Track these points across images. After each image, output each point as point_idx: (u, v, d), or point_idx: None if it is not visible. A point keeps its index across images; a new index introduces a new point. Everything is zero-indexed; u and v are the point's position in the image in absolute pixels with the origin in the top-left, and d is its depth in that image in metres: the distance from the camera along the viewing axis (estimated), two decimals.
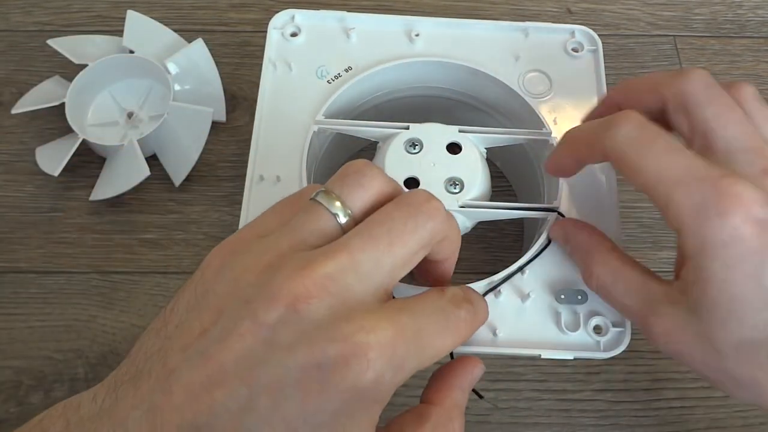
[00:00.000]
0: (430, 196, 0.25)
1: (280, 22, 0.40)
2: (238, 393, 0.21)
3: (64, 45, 0.47)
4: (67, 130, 0.44)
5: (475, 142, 0.36)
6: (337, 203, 0.24)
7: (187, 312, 0.24)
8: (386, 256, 0.23)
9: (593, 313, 0.33)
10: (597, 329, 0.33)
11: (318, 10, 0.40)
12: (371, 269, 0.23)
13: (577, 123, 0.38)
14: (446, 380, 0.27)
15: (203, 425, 0.21)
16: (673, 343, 0.27)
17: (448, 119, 0.37)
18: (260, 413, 0.21)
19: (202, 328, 0.22)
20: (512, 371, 0.40)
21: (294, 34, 0.40)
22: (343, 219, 0.24)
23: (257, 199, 0.35)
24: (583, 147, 0.30)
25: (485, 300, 0.28)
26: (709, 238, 0.25)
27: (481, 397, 0.32)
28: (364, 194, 0.25)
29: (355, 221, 0.24)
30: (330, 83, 0.38)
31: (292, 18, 0.40)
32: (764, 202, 0.25)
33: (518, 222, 0.44)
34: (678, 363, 0.29)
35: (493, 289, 0.33)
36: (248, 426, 0.21)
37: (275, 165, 0.36)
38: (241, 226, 0.35)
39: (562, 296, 0.33)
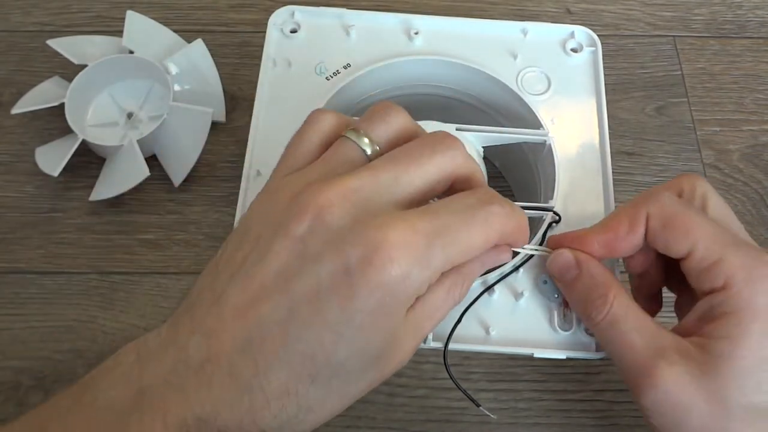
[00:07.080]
0: (449, 134, 0.27)
1: (279, 19, 0.40)
2: (280, 305, 0.23)
3: (63, 45, 0.47)
4: (66, 131, 0.44)
5: (472, 141, 0.36)
6: (365, 138, 0.27)
7: (233, 249, 0.26)
8: (404, 174, 0.25)
9: None
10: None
11: (318, 7, 0.41)
12: (391, 183, 0.25)
13: (574, 123, 0.38)
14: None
15: (254, 338, 0.23)
16: (674, 395, 0.27)
17: (445, 117, 0.37)
18: (303, 320, 0.23)
19: (244, 256, 0.25)
20: (512, 371, 0.40)
21: (294, 31, 0.40)
22: (369, 150, 0.27)
23: (254, 195, 0.35)
24: (622, 225, 0.30)
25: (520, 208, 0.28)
26: (753, 299, 0.26)
27: (478, 405, 0.32)
28: (387, 129, 0.27)
29: (380, 154, 0.27)
30: (329, 80, 0.38)
31: (292, 15, 0.40)
32: None
33: None
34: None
35: (488, 288, 0.33)
36: (294, 333, 0.23)
37: (273, 161, 0.36)
38: (236, 223, 0.35)
39: (556, 295, 0.33)
